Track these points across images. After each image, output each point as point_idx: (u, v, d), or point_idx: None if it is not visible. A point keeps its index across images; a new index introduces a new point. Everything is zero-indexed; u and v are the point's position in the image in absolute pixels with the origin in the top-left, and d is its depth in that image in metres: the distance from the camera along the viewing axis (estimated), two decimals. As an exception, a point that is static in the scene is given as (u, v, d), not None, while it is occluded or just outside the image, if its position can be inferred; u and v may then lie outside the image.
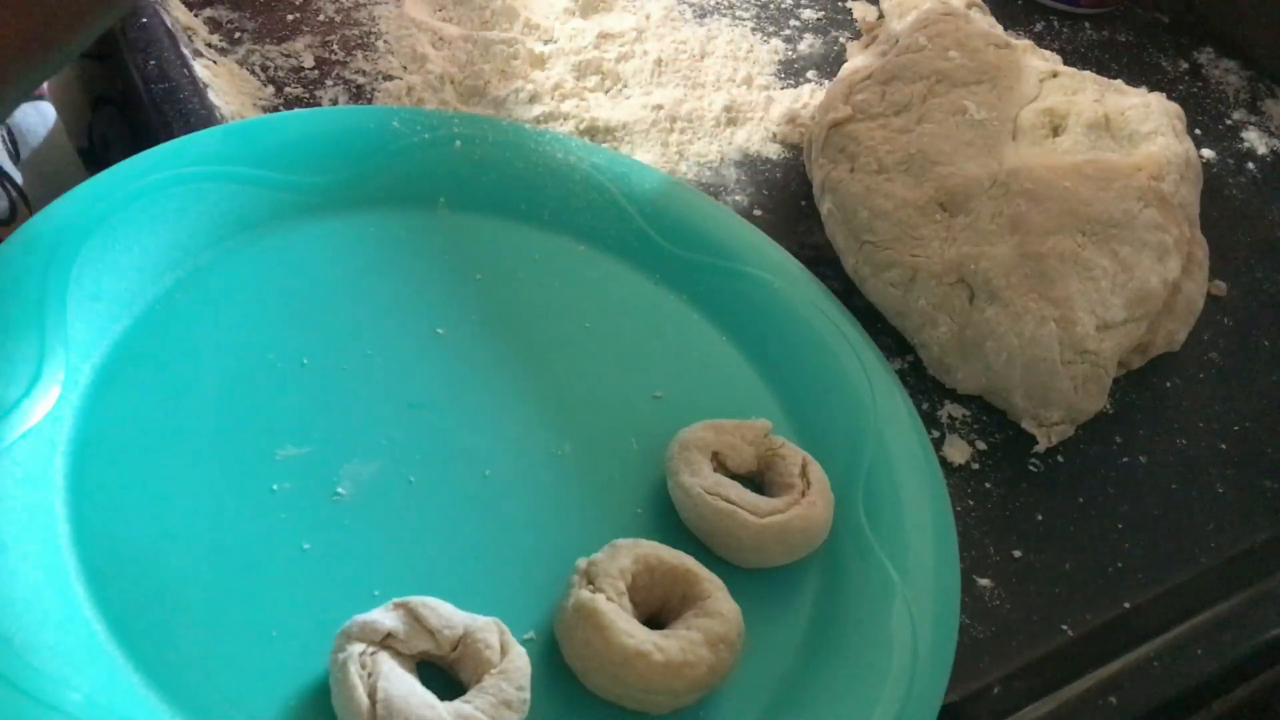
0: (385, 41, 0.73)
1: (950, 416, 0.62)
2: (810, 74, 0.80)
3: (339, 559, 0.49)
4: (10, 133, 0.63)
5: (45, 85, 0.66)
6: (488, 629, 0.45)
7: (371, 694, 0.42)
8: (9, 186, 0.62)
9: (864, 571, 0.53)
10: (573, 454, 0.55)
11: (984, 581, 0.56)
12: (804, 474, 0.53)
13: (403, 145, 0.63)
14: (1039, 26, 0.89)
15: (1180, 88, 0.86)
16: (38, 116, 0.65)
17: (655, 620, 0.49)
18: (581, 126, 0.71)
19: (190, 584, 0.46)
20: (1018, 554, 0.58)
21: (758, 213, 0.70)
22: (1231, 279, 0.73)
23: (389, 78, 0.71)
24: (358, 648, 0.43)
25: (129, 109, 0.76)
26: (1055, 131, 0.67)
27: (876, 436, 0.57)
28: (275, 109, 0.68)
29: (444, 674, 0.46)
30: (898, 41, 0.72)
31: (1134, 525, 0.60)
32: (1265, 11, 0.88)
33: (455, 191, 0.63)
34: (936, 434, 0.61)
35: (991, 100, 0.68)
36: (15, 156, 0.64)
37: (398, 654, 0.44)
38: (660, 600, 0.49)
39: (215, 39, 0.71)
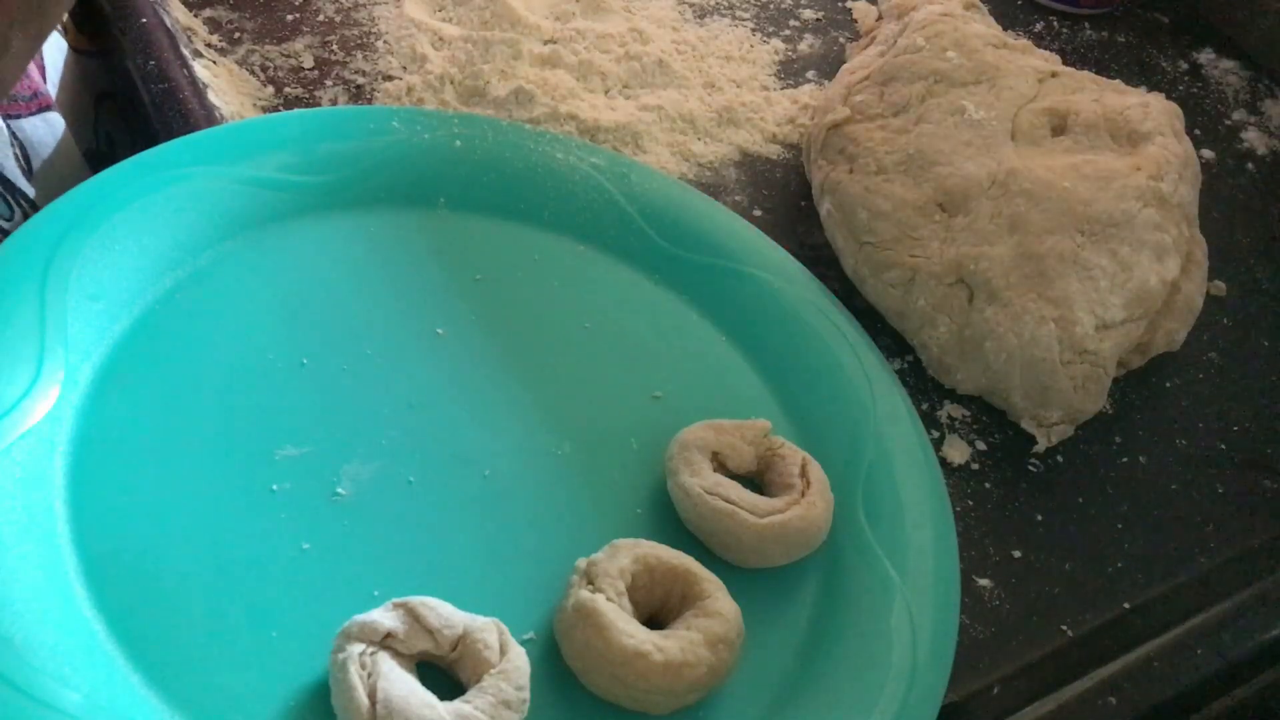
0: (385, 41, 0.73)
1: (950, 416, 0.62)
2: (810, 74, 0.80)
3: (339, 559, 0.49)
4: (22, 146, 0.63)
5: (52, 94, 0.66)
6: (487, 629, 0.45)
7: (371, 694, 0.42)
8: (23, 201, 0.62)
9: (864, 571, 0.53)
10: (573, 454, 0.55)
11: (984, 581, 0.56)
12: (804, 474, 0.53)
13: (403, 145, 0.63)
14: (1038, 26, 0.89)
15: (1180, 88, 0.86)
16: (46, 128, 0.65)
17: (655, 620, 0.49)
18: (581, 126, 0.71)
19: (190, 584, 0.46)
20: (1017, 554, 0.58)
21: (758, 213, 0.70)
22: (1231, 279, 0.73)
23: (389, 78, 0.71)
24: (357, 648, 0.43)
25: (128, 106, 0.75)
26: (1054, 131, 0.67)
27: (876, 436, 0.57)
28: (275, 109, 0.68)
29: (444, 674, 0.46)
30: (896, 42, 0.72)
31: (1134, 525, 0.60)
32: (1265, 12, 0.88)
33: (455, 191, 0.63)
34: (936, 434, 0.61)
35: (990, 100, 0.68)
36: (28, 171, 0.63)
37: (397, 654, 0.44)
38: (660, 600, 0.49)
39: (215, 39, 0.71)
